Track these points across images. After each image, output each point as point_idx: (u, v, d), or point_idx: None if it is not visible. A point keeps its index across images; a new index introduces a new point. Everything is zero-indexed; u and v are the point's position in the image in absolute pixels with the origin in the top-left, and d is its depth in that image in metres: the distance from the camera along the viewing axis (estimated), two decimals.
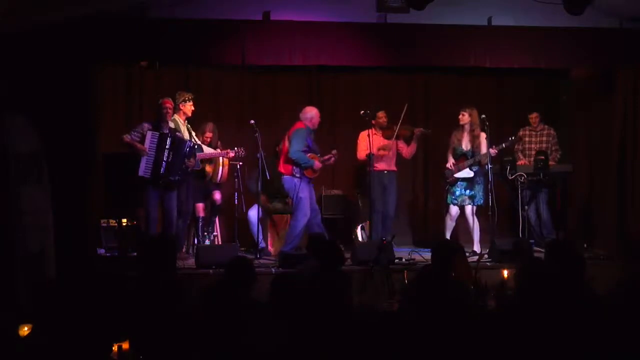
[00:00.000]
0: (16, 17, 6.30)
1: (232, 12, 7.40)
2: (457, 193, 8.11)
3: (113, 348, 3.85)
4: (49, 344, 3.59)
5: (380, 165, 8.19)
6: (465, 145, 8.10)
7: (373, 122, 8.21)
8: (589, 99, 8.79)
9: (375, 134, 8.12)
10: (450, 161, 8.17)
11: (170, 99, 7.54)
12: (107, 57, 7.41)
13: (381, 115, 8.29)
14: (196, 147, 7.71)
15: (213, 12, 7.37)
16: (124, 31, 7.18)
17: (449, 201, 8.19)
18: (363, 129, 8.18)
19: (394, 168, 8.37)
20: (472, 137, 8.07)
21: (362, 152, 8.19)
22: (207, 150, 7.97)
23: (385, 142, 8.26)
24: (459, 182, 8.10)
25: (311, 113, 7.76)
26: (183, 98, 7.73)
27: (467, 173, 8.06)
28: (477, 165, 8.00)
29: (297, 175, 7.64)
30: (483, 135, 8.00)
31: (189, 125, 7.80)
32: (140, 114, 8.52)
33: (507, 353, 3.56)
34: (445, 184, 8.25)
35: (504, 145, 8.04)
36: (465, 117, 8.09)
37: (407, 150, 8.38)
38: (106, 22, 7.05)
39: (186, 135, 7.69)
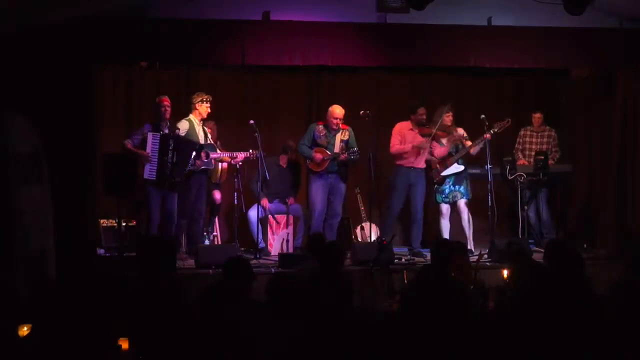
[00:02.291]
0: (16, 17, 6.30)
1: (232, 12, 7.41)
2: (447, 191, 8.13)
3: (112, 348, 3.85)
4: (49, 344, 3.59)
5: (407, 162, 8.03)
6: (446, 143, 8.10)
7: (412, 117, 8.07)
8: (589, 99, 8.79)
9: (411, 129, 8.07)
10: (435, 163, 8.12)
11: (167, 97, 7.53)
12: (107, 57, 7.42)
13: (422, 112, 8.07)
14: (209, 146, 7.72)
15: (213, 12, 7.37)
16: (124, 31, 7.18)
17: (439, 200, 8.19)
18: (398, 121, 8.14)
19: (423, 165, 8.10)
20: (451, 135, 8.10)
21: (394, 146, 8.02)
22: (219, 151, 7.94)
23: (421, 139, 8.03)
24: (446, 180, 8.11)
25: (328, 111, 7.97)
26: (201, 98, 7.68)
27: (456, 168, 8.07)
28: (462, 157, 8.03)
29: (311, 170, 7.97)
30: (461, 130, 8.07)
31: (205, 127, 7.79)
32: (140, 114, 8.52)
33: (507, 353, 3.56)
34: (432, 184, 8.23)
35: (495, 129, 7.87)
36: (451, 117, 8.11)
37: (439, 150, 8.12)
38: (106, 22, 7.06)
39: (201, 136, 7.73)
